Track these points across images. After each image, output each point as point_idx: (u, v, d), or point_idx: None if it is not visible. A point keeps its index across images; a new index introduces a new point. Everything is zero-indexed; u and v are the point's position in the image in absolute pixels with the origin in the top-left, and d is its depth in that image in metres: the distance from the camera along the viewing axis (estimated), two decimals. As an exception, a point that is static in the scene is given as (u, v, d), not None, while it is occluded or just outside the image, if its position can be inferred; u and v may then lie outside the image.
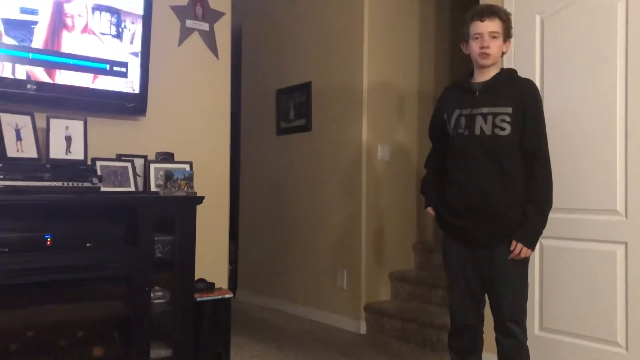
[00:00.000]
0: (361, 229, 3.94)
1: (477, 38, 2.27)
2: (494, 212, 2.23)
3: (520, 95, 2.23)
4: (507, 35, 2.29)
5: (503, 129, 2.22)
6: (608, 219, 2.62)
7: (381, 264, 4.05)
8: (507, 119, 2.21)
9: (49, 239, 2.43)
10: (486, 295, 2.39)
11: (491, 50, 2.25)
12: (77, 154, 2.66)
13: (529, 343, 2.37)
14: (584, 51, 2.71)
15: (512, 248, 2.22)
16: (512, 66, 2.94)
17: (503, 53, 2.34)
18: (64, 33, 2.69)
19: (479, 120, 2.25)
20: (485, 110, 2.25)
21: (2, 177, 2.28)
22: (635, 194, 2.53)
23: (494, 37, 2.25)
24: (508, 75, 2.33)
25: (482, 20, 2.25)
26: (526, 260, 2.29)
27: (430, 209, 2.53)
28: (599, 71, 2.66)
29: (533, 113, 2.23)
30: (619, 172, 2.58)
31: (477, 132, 2.25)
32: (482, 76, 2.32)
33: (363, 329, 3.89)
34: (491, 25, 2.24)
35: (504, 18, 2.27)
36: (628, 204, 2.56)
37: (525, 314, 2.32)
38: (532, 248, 2.24)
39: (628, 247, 2.56)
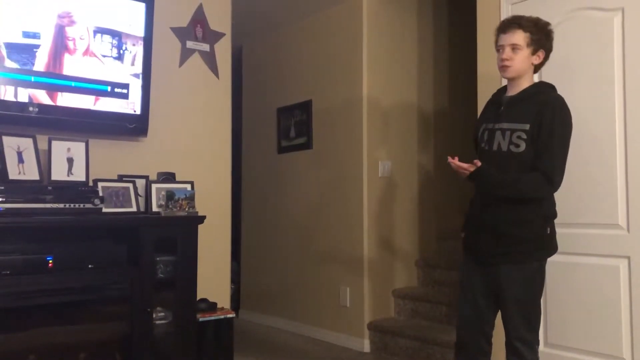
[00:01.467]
0: (363, 246, 3.93)
1: (499, 50, 2.24)
2: (502, 231, 2.22)
3: (539, 114, 2.16)
4: (537, 46, 2.22)
5: (518, 145, 2.18)
6: (611, 234, 2.61)
7: (384, 281, 4.03)
8: (524, 135, 2.17)
9: (50, 261, 2.42)
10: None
11: (511, 63, 2.20)
12: (78, 175, 2.67)
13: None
14: (583, 65, 2.72)
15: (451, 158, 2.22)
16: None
17: (537, 66, 2.28)
18: (66, 56, 2.72)
19: (498, 136, 2.23)
20: (505, 125, 2.22)
21: (3, 199, 2.29)
22: (637, 207, 2.53)
23: (515, 48, 2.20)
24: (536, 90, 2.26)
25: (504, 33, 2.22)
26: (535, 279, 2.24)
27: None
28: (597, 85, 2.66)
29: (549, 133, 2.15)
30: (619, 186, 2.58)
31: (495, 147, 2.24)
32: (513, 90, 2.28)
33: (367, 347, 3.86)
34: (512, 37, 2.19)
35: (529, 29, 2.19)
36: (630, 218, 2.55)
37: (536, 335, 2.27)
38: (468, 178, 2.21)
39: (631, 261, 2.54)
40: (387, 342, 3.74)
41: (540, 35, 2.22)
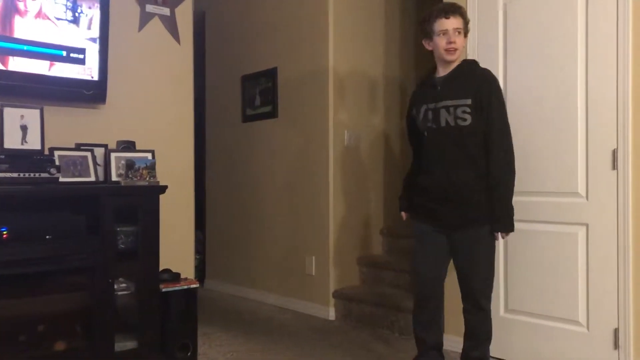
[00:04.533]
0: (329, 215, 3.93)
1: (443, 34, 2.36)
2: (465, 199, 2.37)
3: (476, 87, 2.35)
4: (466, 31, 2.42)
5: (464, 119, 2.34)
6: (570, 201, 2.66)
7: (349, 249, 4.06)
8: (468, 109, 2.33)
9: (5, 232, 2.35)
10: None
11: (458, 45, 2.36)
12: (33, 143, 2.58)
13: (493, 324, 2.43)
14: (546, 36, 2.73)
15: (496, 239, 2.39)
16: (476, 52, 2.96)
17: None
18: (17, 18, 2.59)
19: (443, 113, 2.38)
20: (448, 103, 2.37)
21: (-47, 168, 2.20)
22: (596, 176, 2.58)
23: (458, 32, 2.36)
24: (467, 67, 2.44)
25: (447, 17, 2.36)
26: (493, 240, 2.41)
27: (403, 214, 2.73)
28: (560, 56, 2.69)
29: (489, 103, 2.34)
30: (580, 156, 2.63)
31: (443, 124, 2.38)
32: (445, 70, 2.44)
33: (332, 315, 3.90)
34: (456, 22, 2.36)
35: (465, 15, 2.41)
36: (589, 186, 2.60)
37: (492, 287, 2.45)
38: (513, 228, 2.39)
39: (589, 228, 2.61)
40: (352, 309, 3.79)
41: (468, 21, 2.44)
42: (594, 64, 2.58)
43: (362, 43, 4.14)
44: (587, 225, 2.61)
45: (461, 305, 2.47)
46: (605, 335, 2.56)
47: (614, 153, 2.52)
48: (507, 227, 2.37)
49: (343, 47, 3.98)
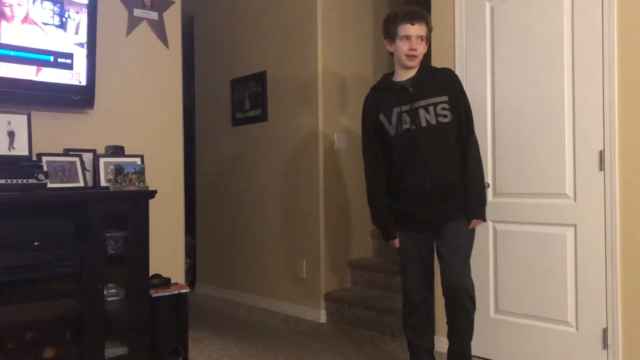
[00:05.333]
0: (319, 218, 3.93)
1: (406, 39, 2.37)
2: (447, 194, 2.40)
3: (449, 85, 2.41)
4: (428, 38, 2.44)
5: (445, 116, 2.37)
6: (558, 203, 2.68)
7: (340, 252, 4.06)
8: (447, 106, 2.37)
9: (-8, 239, 2.33)
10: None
11: (418, 52, 2.38)
12: (21, 149, 2.57)
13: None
14: (533, 37, 2.75)
15: (470, 226, 2.42)
16: (464, 54, 2.99)
17: None
18: (3, 23, 2.57)
19: (422, 113, 2.37)
20: (424, 102, 2.38)
21: (-61, 175, 2.17)
22: (583, 177, 2.60)
23: (421, 39, 2.38)
24: (429, 69, 2.49)
25: (412, 24, 2.36)
26: (473, 232, 2.46)
27: (395, 241, 2.54)
28: (547, 57, 2.71)
29: (462, 100, 2.42)
30: (567, 157, 2.65)
31: (424, 123, 2.37)
32: (407, 74, 2.45)
33: (323, 318, 3.90)
34: (420, 29, 2.37)
35: (429, 23, 2.42)
36: (577, 188, 2.62)
37: (472, 281, 2.43)
38: (484, 217, 2.44)
39: (577, 229, 2.63)
40: (344, 313, 3.79)
41: (431, 29, 2.45)
42: (580, 65, 2.60)
43: (351, 46, 4.15)
44: (575, 226, 2.63)
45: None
46: (594, 335, 2.58)
47: (601, 154, 2.54)
48: (483, 215, 2.42)
49: (332, 51, 3.99)
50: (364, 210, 4.24)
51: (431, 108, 2.36)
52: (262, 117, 4.34)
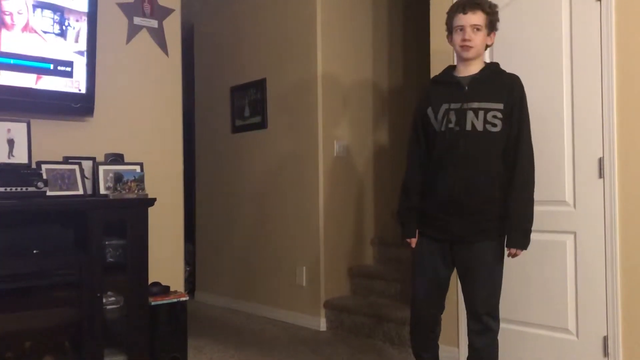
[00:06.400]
0: (319, 225, 3.93)
1: (459, 30, 2.24)
2: (480, 208, 2.23)
3: (509, 92, 2.22)
4: (491, 27, 2.27)
5: (495, 125, 2.20)
6: (557, 210, 2.68)
7: (340, 260, 4.05)
8: (499, 115, 2.19)
9: (-9, 247, 2.33)
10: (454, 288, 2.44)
11: (473, 43, 2.22)
12: (20, 157, 2.57)
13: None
14: (532, 44, 2.76)
15: (507, 254, 2.25)
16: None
17: (487, 46, 2.33)
18: (3, 32, 2.58)
19: (470, 115, 2.21)
20: (475, 105, 2.21)
21: (-62, 183, 2.18)
22: (582, 184, 2.60)
23: (477, 29, 2.22)
24: (494, 70, 2.31)
25: (464, 13, 2.22)
26: (502, 254, 2.29)
27: (412, 240, 2.39)
28: (546, 63, 2.71)
29: (518, 111, 2.22)
30: (566, 164, 2.65)
31: (469, 127, 2.21)
32: (467, 70, 2.29)
33: (323, 326, 3.89)
34: (474, 18, 2.21)
35: (488, 10, 2.24)
36: (576, 195, 2.62)
37: (498, 306, 2.32)
38: (526, 247, 2.24)
39: (577, 236, 2.62)
40: (343, 320, 3.78)
41: (494, 17, 2.26)
42: (579, 72, 2.61)
43: (351, 53, 4.16)
44: (574, 234, 2.63)
45: (456, 315, 2.37)
46: (594, 343, 2.57)
47: (600, 161, 2.54)
48: (526, 243, 2.22)
49: (331, 58, 4.00)
50: (364, 217, 4.26)
51: (481, 113, 2.19)
52: (262, 125, 4.35)
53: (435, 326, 2.43)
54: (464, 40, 2.22)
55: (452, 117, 2.23)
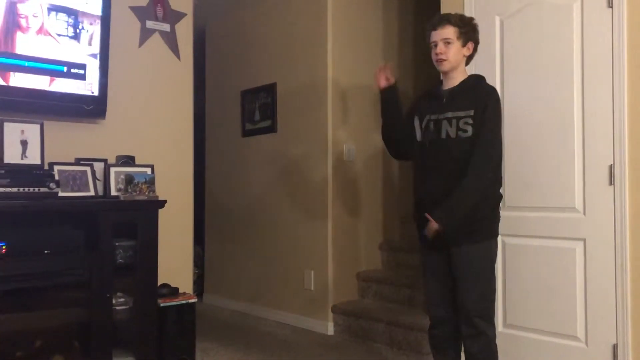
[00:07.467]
0: (328, 229, 3.93)
1: (434, 46, 2.37)
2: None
3: (481, 98, 2.32)
4: (466, 39, 2.37)
5: (465, 130, 2.30)
6: (567, 217, 2.67)
7: (348, 264, 4.05)
8: (470, 121, 2.30)
9: (3, 247, 2.35)
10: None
11: (446, 56, 2.34)
12: (33, 158, 2.59)
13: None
14: (542, 51, 2.75)
15: (430, 227, 2.30)
16: (473, 67, 2.98)
17: (468, 57, 2.42)
18: (18, 34, 2.61)
19: (445, 125, 2.35)
20: (449, 115, 2.35)
21: (-47, 183, 2.21)
22: (592, 191, 2.59)
23: (448, 43, 2.33)
24: (474, 82, 2.41)
25: (435, 29, 2.36)
26: (491, 256, 2.37)
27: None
28: (556, 70, 2.70)
29: (483, 113, 2.28)
30: (577, 171, 2.63)
31: (443, 135, 2.35)
32: (449, 83, 2.42)
33: (331, 330, 3.89)
34: (443, 32, 2.34)
35: (457, 23, 2.35)
36: (586, 202, 2.61)
37: (492, 310, 2.38)
38: (445, 227, 2.27)
39: (587, 243, 2.61)
40: (351, 325, 3.77)
41: (468, 29, 2.37)
42: (590, 79, 2.60)
43: (361, 58, 4.16)
44: (584, 241, 2.61)
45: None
46: (604, 351, 2.55)
47: (611, 168, 2.53)
48: (444, 220, 2.25)
49: (341, 62, 4.01)
50: (373, 222, 4.26)
51: (454, 121, 2.32)
52: (272, 129, 4.36)
53: (453, 328, 2.43)
54: (437, 54, 2.36)
55: (431, 127, 2.39)
